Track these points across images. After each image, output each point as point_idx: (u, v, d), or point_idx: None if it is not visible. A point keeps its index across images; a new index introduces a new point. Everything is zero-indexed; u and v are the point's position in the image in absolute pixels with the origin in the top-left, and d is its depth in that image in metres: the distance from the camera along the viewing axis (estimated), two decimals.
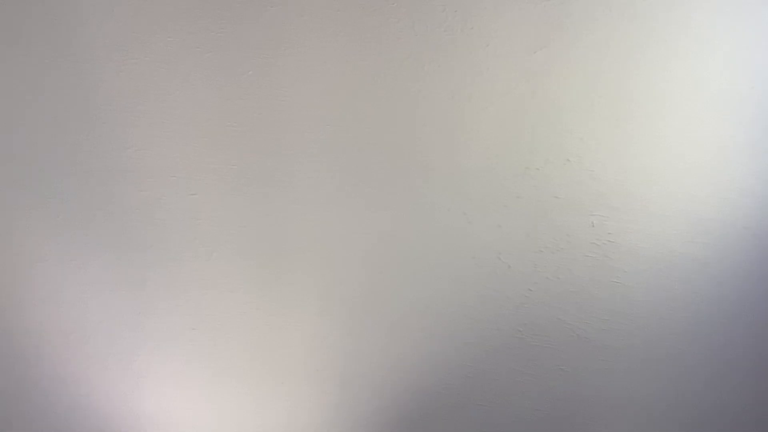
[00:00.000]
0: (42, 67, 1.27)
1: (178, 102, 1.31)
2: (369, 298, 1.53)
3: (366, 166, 1.40)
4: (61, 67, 1.27)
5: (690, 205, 1.51)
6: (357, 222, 1.45)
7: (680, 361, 1.70)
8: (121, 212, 1.40)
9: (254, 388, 1.61)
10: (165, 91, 1.30)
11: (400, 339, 1.58)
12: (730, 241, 1.57)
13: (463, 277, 1.52)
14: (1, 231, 1.40)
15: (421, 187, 1.43)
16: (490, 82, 1.34)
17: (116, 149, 1.34)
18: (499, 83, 1.35)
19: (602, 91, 1.37)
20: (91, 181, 1.37)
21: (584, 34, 1.32)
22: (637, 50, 1.35)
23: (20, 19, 1.24)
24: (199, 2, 1.24)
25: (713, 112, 1.43)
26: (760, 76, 1.39)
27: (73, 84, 1.29)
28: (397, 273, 1.51)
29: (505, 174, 1.43)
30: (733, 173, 1.50)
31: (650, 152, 1.45)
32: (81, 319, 1.50)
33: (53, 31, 1.25)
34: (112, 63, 1.27)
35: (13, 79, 1.28)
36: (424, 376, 1.62)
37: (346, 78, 1.32)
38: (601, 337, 1.63)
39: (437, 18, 1.28)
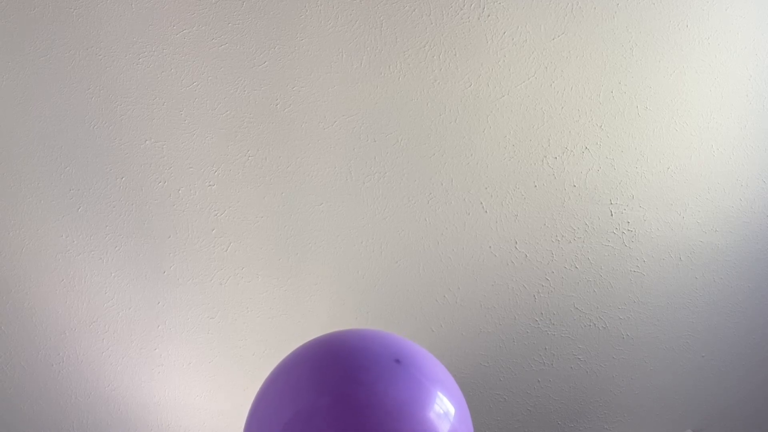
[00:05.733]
0: (61, 60, 1.28)
1: (196, 94, 1.32)
2: (385, 287, 1.53)
3: (381, 157, 1.40)
4: (79, 60, 1.28)
5: (710, 194, 1.49)
6: (372, 212, 1.45)
7: (698, 351, 1.69)
8: (140, 203, 1.41)
9: None
10: (182, 83, 1.31)
11: (416, 327, 1.58)
12: (751, 230, 1.55)
13: (480, 267, 1.52)
14: (23, 222, 1.42)
15: (438, 176, 1.42)
16: (507, 69, 1.33)
17: (135, 141, 1.35)
18: (517, 71, 1.33)
19: (622, 78, 1.35)
20: (111, 173, 1.38)
21: (603, 20, 1.30)
22: (658, 36, 1.33)
23: (39, 12, 1.24)
24: None
25: (734, 99, 1.41)
26: None
27: (91, 76, 1.30)
28: (413, 263, 1.51)
29: (522, 163, 1.42)
30: (754, 161, 1.47)
31: (670, 140, 1.43)
32: (102, 309, 1.52)
33: (72, 24, 1.25)
34: (129, 55, 1.28)
35: (32, 72, 1.29)
36: None
37: (361, 68, 1.31)
38: (618, 327, 1.62)
39: (454, 5, 1.27)
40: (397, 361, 0.85)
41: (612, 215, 1.48)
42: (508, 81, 1.34)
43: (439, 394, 0.86)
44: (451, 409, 0.86)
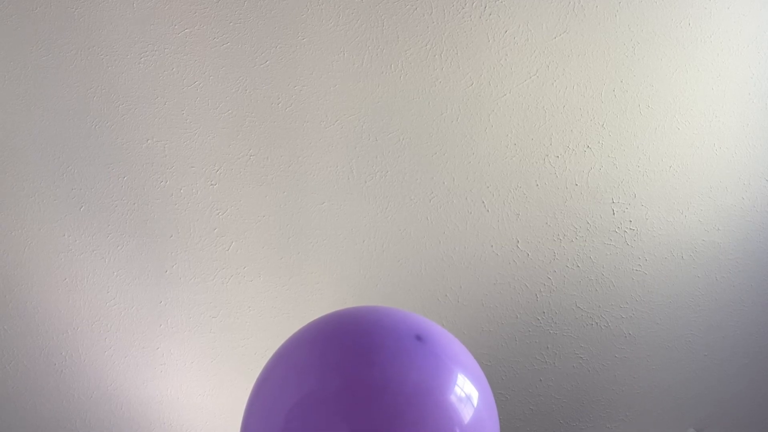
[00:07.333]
0: (62, 60, 1.28)
1: (197, 93, 1.32)
2: (386, 287, 1.53)
3: (383, 156, 1.40)
4: (81, 59, 1.28)
5: (712, 192, 1.49)
6: (374, 211, 1.45)
7: (701, 349, 1.69)
8: (142, 203, 1.41)
9: None
10: (184, 82, 1.31)
11: None
12: (753, 228, 1.55)
13: (482, 265, 1.52)
14: (25, 222, 1.42)
15: (439, 175, 1.42)
16: (509, 68, 1.33)
17: (137, 140, 1.36)
18: (518, 69, 1.33)
19: (623, 77, 1.35)
20: (113, 172, 1.39)
21: (605, 19, 1.30)
22: (659, 35, 1.32)
23: (41, 12, 1.24)
24: None
25: (736, 97, 1.40)
26: None
27: (93, 76, 1.30)
28: (415, 261, 1.51)
29: (524, 162, 1.41)
30: (757, 159, 1.47)
31: (672, 139, 1.43)
32: (104, 308, 1.53)
33: (73, 24, 1.26)
34: (131, 55, 1.28)
35: (35, 72, 1.29)
36: None
37: (363, 66, 1.31)
38: (620, 326, 1.62)
39: (455, 4, 1.27)
40: (419, 337, 0.73)
41: (614, 214, 1.48)
42: (509, 80, 1.34)
43: (466, 377, 0.73)
44: (478, 395, 0.74)
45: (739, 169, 1.47)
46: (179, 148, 1.36)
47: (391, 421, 0.66)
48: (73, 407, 1.65)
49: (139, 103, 1.32)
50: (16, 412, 1.64)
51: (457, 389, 0.72)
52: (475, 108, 1.36)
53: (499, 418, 1.73)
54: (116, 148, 1.36)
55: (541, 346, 1.63)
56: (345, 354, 0.72)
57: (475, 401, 0.73)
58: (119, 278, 1.49)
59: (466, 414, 0.70)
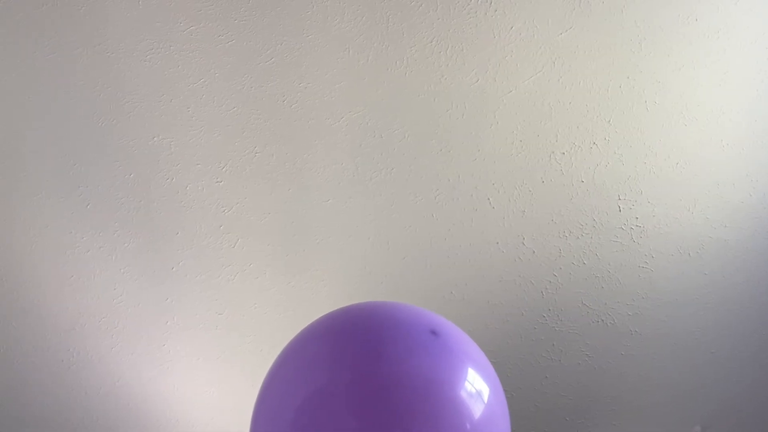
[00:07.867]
0: (69, 58, 1.28)
1: (203, 90, 1.32)
2: (391, 283, 1.53)
3: (388, 153, 1.40)
4: (87, 57, 1.28)
5: (719, 189, 1.48)
6: (379, 208, 1.45)
7: (707, 347, 1.68)
8: (148, 200, 1.42)
9: None
10: (190, 79, 1.31)
11: None
12: (760, 225, 1.54)
13: (487, 263, 1.51)
14: (32, 219, 1.43)
15: (445, 172, 1.42)
16: (515, 65, 1.32)
17: (143, 138, 1.36)
18: (524, 66, 1.33)
19: (630, 73, 1.35)
20: (119, 170, 1.39)
21: (611, 14, 1.29)
22: (666, 30, 1.32)
23: (47, 11, 1.25)
24: None
25: (743, 93, 1.39)
26: None
27: (99, 74, 1.30)
28: (421, 259, 1.51)
29: (529, 158, 1.41)
30: (764, 155, 1.46)
31: (679, 135, 1.42)
32: (110, 305, 1.53)
33: (79, 22, 1.26)
34: (137, 53, 1.28)
35: (41, 70, 1.29)
36: None
37: (368, 63, 1.31)
38: (626, 323, 1.62)
39: (461, 0, 1.26)
40: (434, 332, 0.71)
41: (620, 211, 1.48)
42: (515, 76, 1.33)
43: (479, 373, 0.72)
44: (492, 392, 0.73)
45: (747, 166, 1.47)
46: (185, 145, 1.37)
47: (402, 415, 0.65)
48: (80, 403, 1.66)
49: (145, 100, 1.33)
50: (23, 408, 1.65)
51: (471, 385, 0.71)
52: (480, 105, 1.36)
53: None
54: (122, 146, 1.37)
55: (547, 344, 1.63)
56: (356, 348, 0.71)
57: (488, 398, 0.72)
58: (125, 275, 1.50)
59: (478, 410, 0.70)
